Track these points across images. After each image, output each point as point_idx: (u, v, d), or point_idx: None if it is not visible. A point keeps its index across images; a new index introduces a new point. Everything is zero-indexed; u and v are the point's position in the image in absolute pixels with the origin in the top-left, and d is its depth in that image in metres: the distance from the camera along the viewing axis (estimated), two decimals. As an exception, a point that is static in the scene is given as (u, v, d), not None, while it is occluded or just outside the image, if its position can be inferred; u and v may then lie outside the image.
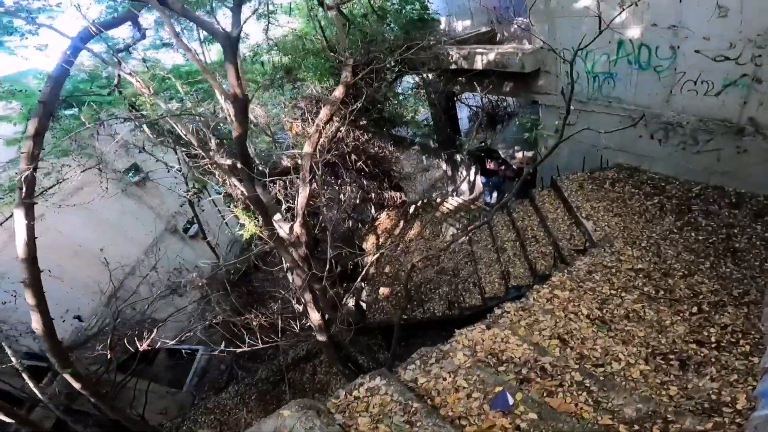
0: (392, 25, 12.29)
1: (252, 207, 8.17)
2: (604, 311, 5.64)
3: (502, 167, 12.18)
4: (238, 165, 5.88)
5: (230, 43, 4.44)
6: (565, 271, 6.75)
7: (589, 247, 8.27)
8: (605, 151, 9.97)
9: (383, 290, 10.83)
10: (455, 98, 15.49)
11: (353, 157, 10.51)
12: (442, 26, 14.67)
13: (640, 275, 6.67)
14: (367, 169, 11.80)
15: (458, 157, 15.33)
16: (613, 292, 6.10)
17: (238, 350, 7.90)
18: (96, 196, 11.31)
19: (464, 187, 15.83)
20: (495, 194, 13.28)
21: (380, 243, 12.11)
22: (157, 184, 15.55)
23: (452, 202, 13.21)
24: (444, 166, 16.22)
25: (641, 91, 8.69)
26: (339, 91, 7.78)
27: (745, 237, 7.34)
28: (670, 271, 6.82)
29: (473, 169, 14.81)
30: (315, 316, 7.94)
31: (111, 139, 12.09)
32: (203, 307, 13.92)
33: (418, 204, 13.01)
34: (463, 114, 17.86)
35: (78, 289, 12.86)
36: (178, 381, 14.40)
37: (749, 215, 7.69)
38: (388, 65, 8.56)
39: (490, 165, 12.12)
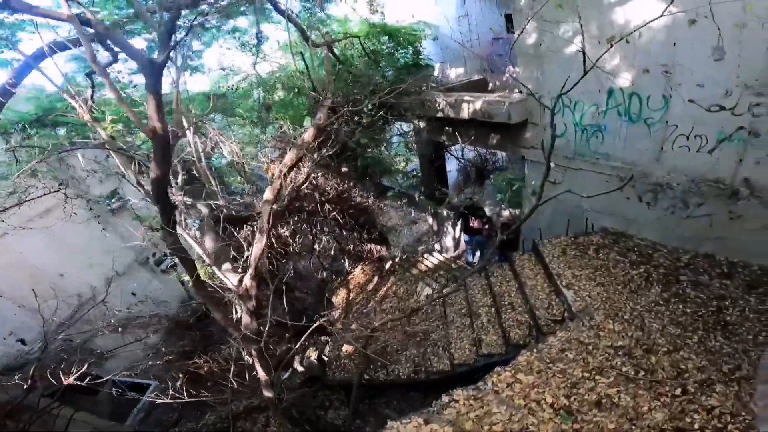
0: (385, 69, 12.01)
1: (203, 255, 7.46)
2: (572, 399, 4.71)
3: (486, 226, 11.43)
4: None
5: (153, 71, 3.89)
6: (534, 350, 5.86)
7: (567, 318, 7.43)
8: (591, 214, 9.27)
9: (347, 348, 9.87)
10: (444, 149, 14.97)
11: (327, 206, 9.85)
12: (435, 73, 14.42)
13: (620, 353, 5.78)
14: (342, 220, 11.12)
15: (444, 211, 14.70)
16: (586, 374, 5.18)
17: (177, 401, 6.96)
18: (59, 220, 10.76)
19: (449, 243, 15.10)
20: (478, 254, 12.47)
21: (351, 298, 11.23)
22: (133, 213, 14.88)
23: (432, 260, 12.44)
24: (430, 220, 15.57)
25: (630, 146, 8.08)
26: (308, 134, 7.21)
27: (737, 309, 6.51)
28: (654, 347, 5.93)
29: (458, 226, 14.15)
30: (262, 373, 7.05)
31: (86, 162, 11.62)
32: (160, 343, 12.91)
33: (396, 260, 12.22)
34: (452, 166, 17.30)
35: (32, 311, 12.02)
36: (123, 414, 13.21)
37: (741, 286, 6.89)
38: (365, 108, 8.02)
39: (474, 223, 11.40)
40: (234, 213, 8.68)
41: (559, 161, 9.25)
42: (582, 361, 5.57)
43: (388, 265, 11.64)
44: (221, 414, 11.09)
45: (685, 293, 7.04)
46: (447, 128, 11.36)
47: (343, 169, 10.99)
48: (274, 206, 6.90)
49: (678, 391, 4.79)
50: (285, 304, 11.99)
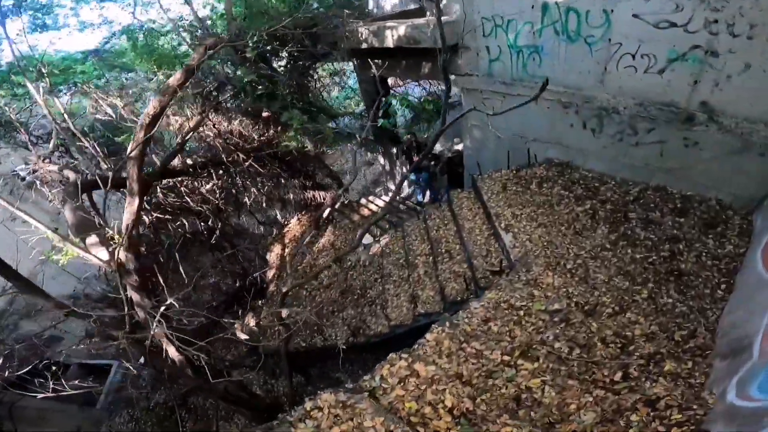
0: (312, 5, 10.05)
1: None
2: (480, 399, 3.61)
3: (432, 162, 10.06)
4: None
5: None
6: (447, 323, 4.66)
7: (506, 268, 6.34)
8: (534, 144, 7.94)
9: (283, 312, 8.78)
10: (389, 87, 13.19)
11: (240, 155, 8.31)
12: (370, 5, 12.40)
13: (556, 319, 4.70)
14: (270, 169, 9.62)
15: (395, 150, 13.29)
16: (506, 357, 4.07)
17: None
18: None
19: (405, 183, 13.88)
20: (428, 193, 11.19)
21: (286, 254, 10.02)
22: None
23: (378, 203, 11.11)
24: (381, 159, 14.14)
25: (571, 68, 6.61)
26: (175, 78, 5.53)
27: (693, 254, 5.45)
28: (597, 308, 4.89)
29: (406, 165, 12.81)
30: (172, 352, 5.96)
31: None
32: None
33: (336, 206, 10.90)
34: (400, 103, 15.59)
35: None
36: (94, 398, 12.42)
37: (698, 225, 5.78)
38: (249, 43, 6.32)
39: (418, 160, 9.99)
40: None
41: (497, 88, 7.77)
42: (508, 335, 4.48)
43: (325, 214, 10.32)
44: (172, 392, 10.24)
45: (634, 234, 5.94)
46: (376, 61, 9.66)
47: (265, 114, 9.30)
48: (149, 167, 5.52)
49: (618, 376, 3.74)
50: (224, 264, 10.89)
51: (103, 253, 5.17)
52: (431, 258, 7.70)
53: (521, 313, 4.86)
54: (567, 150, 7.47)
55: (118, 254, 5.03)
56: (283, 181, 11.39)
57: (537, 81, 7.14)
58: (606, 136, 6.72)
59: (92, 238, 5.27)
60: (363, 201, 11.41)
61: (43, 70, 6.29)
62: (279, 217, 11.83)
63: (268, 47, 7.28)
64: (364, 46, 9.11)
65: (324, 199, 11.52)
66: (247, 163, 8.27)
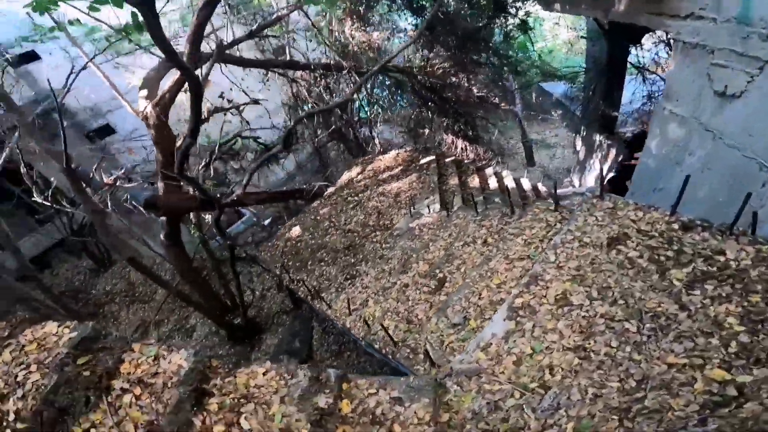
0: None
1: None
2: None
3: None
4: None
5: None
6: None
7: (443, 365, 2.55)
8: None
9: (295, 231, 6.57)
10: (625, 52, 7.49)
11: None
12: None
13: None
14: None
15: (598, 138, 8.45)
16: None
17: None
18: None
19: (591, 181, 9.06)
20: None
21: (356, 178, 7.39)
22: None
23: (509, 182, 6.83)
24: (578, 144, 9.44)
25: None
26: None
27: None
28: None
29: (608, 162, 8.00)
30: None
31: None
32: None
33: (448, 159, 7.23)
34: (631, 83, 8.74)
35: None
36: None
37: None
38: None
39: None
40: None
41: (752, 47, 2.86)
42: None
43: (425, 160, 6.88)
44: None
45: None
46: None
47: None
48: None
49: None
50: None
51: (142, 103, 4.73)
52: (424, 278, 4.06)
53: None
54: None
55: (146, 108, 4.62)
56: (430, 113, 8.47)
57: None
58: None
59: (144, 91, 4.81)
60: (498, 170, 7.39)
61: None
62: (377, 140, 8.94)
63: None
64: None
65: (459, 150, 8.19)
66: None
